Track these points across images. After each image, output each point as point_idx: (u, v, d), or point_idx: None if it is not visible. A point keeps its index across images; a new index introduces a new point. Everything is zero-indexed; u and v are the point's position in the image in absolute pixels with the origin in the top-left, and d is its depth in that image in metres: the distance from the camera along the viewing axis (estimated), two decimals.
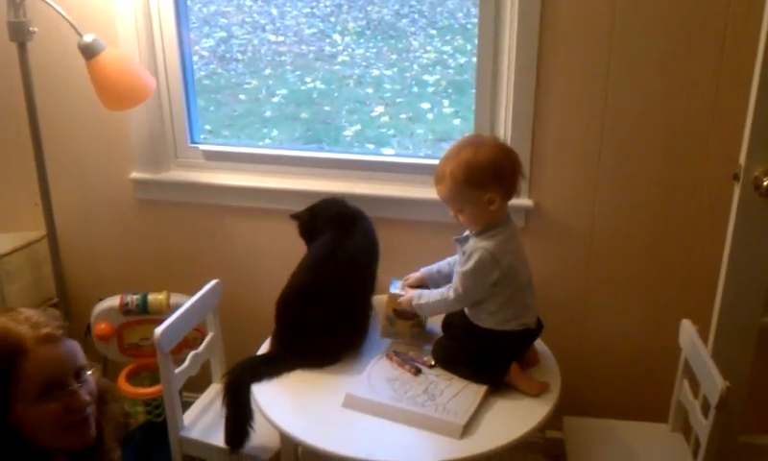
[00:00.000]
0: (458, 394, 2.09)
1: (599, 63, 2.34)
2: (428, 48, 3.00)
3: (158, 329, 2.27)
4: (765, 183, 2.12)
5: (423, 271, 2.34)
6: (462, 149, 2.08)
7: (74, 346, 1.60)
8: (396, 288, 2.30)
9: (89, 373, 1.62)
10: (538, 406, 2.07)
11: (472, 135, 2.21)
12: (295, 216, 2.39)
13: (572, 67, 2.37)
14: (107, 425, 1.71)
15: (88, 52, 2.40)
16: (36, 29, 2.52)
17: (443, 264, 2.33)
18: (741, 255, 2.26)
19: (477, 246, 2.07)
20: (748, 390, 2.42)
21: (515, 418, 2.03)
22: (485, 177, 2.03)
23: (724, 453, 2.33)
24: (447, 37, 2.98)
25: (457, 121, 3.06)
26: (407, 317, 2.28)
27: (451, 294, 2.12)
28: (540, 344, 2.29)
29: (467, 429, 1.97)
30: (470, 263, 2.06)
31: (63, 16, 2.40)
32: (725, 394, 1.97)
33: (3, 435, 1.50)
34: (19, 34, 2.49)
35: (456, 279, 2.11)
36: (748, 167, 2.16)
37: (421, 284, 2.31)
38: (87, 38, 2.39)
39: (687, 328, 2.28)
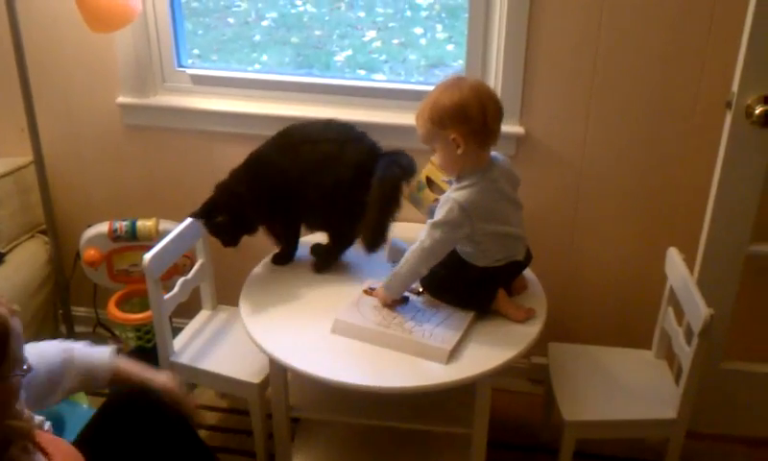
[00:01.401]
0: (445, 320, 2.11)
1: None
2: None
3: (147, 256, 2.27)
4: (757, 111, 2.11)
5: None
6: (437, 89, 2.07)
7: None
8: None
9: None
10: (523, 332, 2.10)
11: (454, 76, 2.17)
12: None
13: None
14: None
15: None
16: None
17: None
18: (730, 183, 2.26)
19: (450, 196, 2.06)
20: (731, 318, 2.45)
21: (500, 343, 2.05)
22: (447, 117, 2.01)
23: (706, 379, 2.37)
24: None
25: (450, 47, 3.01)
26: (433, 186, 2.31)
27: (417, 248, 2.09)
28: (527, 271, 2.31)
29: (453, 355, 1.99)
30: (439, 215, 2.05)
31: None
32: (708, 321, 2.00)
33: None
34: None
35: (427, 232, 2.08)
36: (740, 95, 2.14)
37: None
38: None
39: (674, 256, 2.30)
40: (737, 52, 2.13)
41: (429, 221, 2.10)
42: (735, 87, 2.15)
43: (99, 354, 1.99)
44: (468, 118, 2.00)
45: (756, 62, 2.11)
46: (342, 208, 2.30)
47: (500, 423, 2.40)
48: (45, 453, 1.65)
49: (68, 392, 1.97)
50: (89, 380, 1.98)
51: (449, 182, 2.22)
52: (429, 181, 2.33)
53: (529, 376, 2.85)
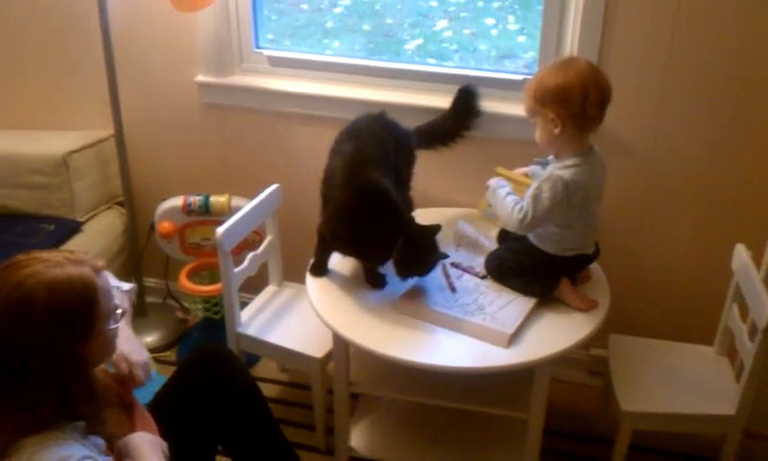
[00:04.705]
0: (507, 305, 2.14)
1: None
2: None
3: (220, 229, 2.34)
4: None
5: (531, 168, 2.33)
6: (548, 67, 2.11)
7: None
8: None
9: None
10: (585, 322, 2.12)
11: (567, 57, 2.21)
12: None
13: None
14: None
15: None
16: None
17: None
18: None
19: (553, 173, 2.08)
20: None
21: (561, 331, 2.08)
22: (549, 97, 2.03)
23: (766, 378, 2.35)
24: None
25: (522, 38, 3.01)
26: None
27: (518, 214, 2.10)
28: (593, 263, 2.32)
29: (513, 339, 2.03)
30: (547, 185, 2.06)
31: None
32: None
33: (77, 370, 1.55)
34: None
35: (529, 202, 2.09)
36: None
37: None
38: None
39: (741, 253, 2.28)
40: None
41: (530, 192, 2.10)
42: None
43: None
44: (568, 101, 2.02)
45: None
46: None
47: (557, 412, 2.43)
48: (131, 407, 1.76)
49: None
50: None
51: (541, 166, 2.24)
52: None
53: (588, 368, 2.85)
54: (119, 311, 1.64)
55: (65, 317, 1.49)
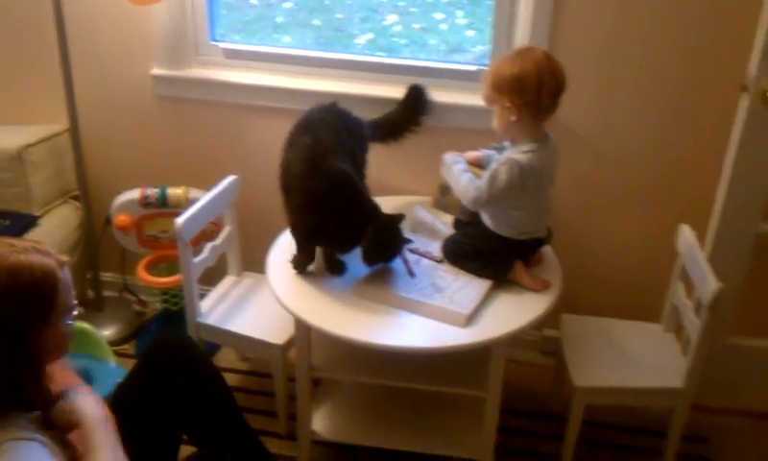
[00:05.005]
0: (464, 287, 2.21)
1: None
2: None
3: (179, 219, 2.36)
4: None
5: (484, 152, 2.37)
6: (505, 56, 2.19)
7: None
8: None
9: None
10: (538, 302, 2.20)
11: (524, 47, 2.29)
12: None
13: None
14: None
15: None
16: None
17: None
18: (744, 165, 2.35)
19: (510, 157, 2.14)
20: (741, 294, 2.54)
21: (516, 311, 2.15)
22: (505, 86, 2.11)
23: (714, 354, 2.47)
24: None
25: (470, 32, 3.07)
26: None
27: (473, 192, 2.18)
28: (545, 246, 2.39)
29: (471, 319, 2.09)
30: (504, 167, 2.13)
31: None
32: (717, 294, 2.10)
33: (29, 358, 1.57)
34: None
35: (485, 182, 2.16)
36: (757, 78, 2.23)
37: (477, 163, 2.35)
38: None
39: (686, 233, 2.39)
40: (754, 37, 2.21)
41: (487, 173, 2.17)
42: (753, 72, 2.23)
43: None
44: (523, 90, 2.09)
45: None
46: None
47: (513, 391, 2.50)
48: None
49: None
50: None
51: (497, 151, 2.30)
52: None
53: (541, 349, 2.95)
54: (75, 312, 1.66)
55: (23, 301, 1.51)
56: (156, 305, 3.02)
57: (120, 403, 1.90)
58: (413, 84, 2.60)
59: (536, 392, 2.81)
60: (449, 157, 2.32)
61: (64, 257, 1.62)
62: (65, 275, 1.60)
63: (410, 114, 2.60)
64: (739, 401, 2.77)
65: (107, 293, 3.21)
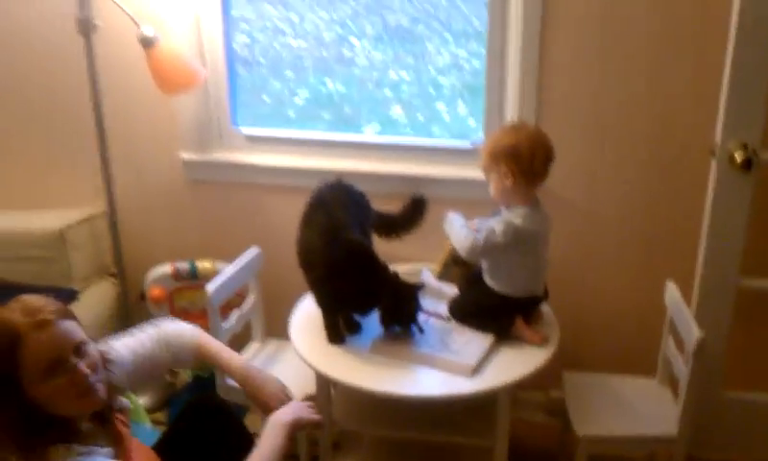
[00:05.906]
0: (469, 342, 2.40)
1: (593, 68, 2.69)
2: (443, 51, 3.18)
3: (210, 286, 2.57)
4: (738, 158, 2.40)
5: (481, 221, 2.53)
6: (502, 130, 2.47)
7: (69, 326, 1.71)
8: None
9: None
10: (538, 354, 2.38)
11: (516, 122, 2.61)
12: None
13: (572, 67, 2.71)
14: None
15: (147, 42, 2.69)
16: (99, 23, 2.86)
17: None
18: (718, 224, 2.53)
19: (507, 217, 2.37)
20: (731, 348, 2.70)
21: (518, 362, 2.34)
22: (502, 154, 2.35)
23: (710, 407, 2.63)
24: (462, 41, 3.14)
25: (472, 121, 3.24)
26: (462, 264, 2.56)
27: (470, 242, 2.38)
28: (543, 303, 2.59)
29: (476, 370, 2.28)
30: (501, 226, 2.35)
31: (124, 11, 2.69)
32: (701, 341, 2.26)
33: (26, 411, 1.66)
34: (85, 27, 2.84)
35: (482, 235, 2.37)
36: (723, 143, 2.43)
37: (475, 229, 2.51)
38: (146, 30, 2.68)
39: (672, 289, 2.58)
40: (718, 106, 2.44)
41: (486, 227, 2.38)
42: (718, 137, 2.44)
43: (187, 331, 2.27)
44: (518, 158, 2.33)
45: (736, 112, 2.39)
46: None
47: (520, 446, 2.63)
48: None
49: (164, 367, 2.23)
50: (177, 357, 2.23)
51: (494, 216, 2.49)
52: (455, 258, 2.56)
53: (546, 409, 3.10)
54: (72, 363, 1.68)
55: None
56: (186, 374, 3.18)
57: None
58: (415, 196, 2.71)
59: (543, 448, 2.96)
60: (452, 213, 2.54)
61: (39, 317, 1.65)
62: (41, 335, 1.64)
63: (406, 222, 2.70)
64: (738, 453, 2.86)
65: None
